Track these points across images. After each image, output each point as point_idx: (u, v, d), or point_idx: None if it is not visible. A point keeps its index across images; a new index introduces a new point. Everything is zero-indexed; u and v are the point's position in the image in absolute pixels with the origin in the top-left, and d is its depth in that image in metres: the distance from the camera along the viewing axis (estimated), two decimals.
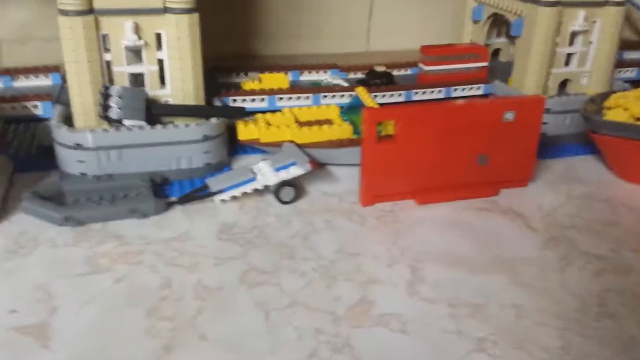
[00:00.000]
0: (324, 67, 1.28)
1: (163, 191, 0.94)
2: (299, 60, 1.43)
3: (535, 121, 0.97)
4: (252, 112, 1.10)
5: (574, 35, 1.17)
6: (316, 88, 1.15)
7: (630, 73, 1.36)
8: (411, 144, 0.91)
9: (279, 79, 1.15)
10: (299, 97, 1.14)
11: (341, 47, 1.51)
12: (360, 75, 1.27)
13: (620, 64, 1.29)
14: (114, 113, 0.92)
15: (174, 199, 0.90)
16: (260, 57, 1.46)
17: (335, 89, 1.16)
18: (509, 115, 0.94)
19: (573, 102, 1.15)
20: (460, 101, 0.97)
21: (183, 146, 0.95)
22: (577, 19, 1.14)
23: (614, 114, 1.01)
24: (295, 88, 1.15)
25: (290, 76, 1.25)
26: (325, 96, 1.15)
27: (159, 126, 0.94)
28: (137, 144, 0.93)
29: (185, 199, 0.90)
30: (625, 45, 1.40)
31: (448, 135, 0.92)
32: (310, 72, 1.27)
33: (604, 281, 0.77)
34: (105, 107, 0.92)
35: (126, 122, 0.93)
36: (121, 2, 0.90)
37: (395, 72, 1.30)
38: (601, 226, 0.90)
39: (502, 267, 0.79)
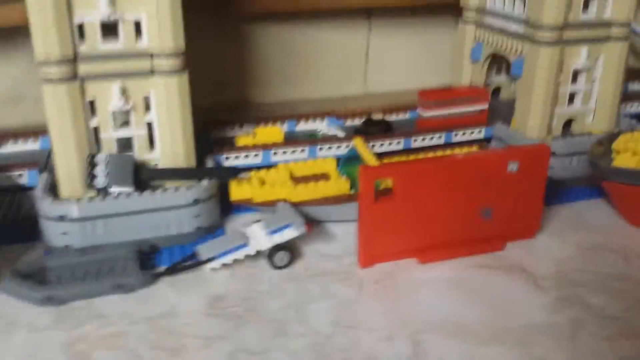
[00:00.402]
0: (320, 114, 1.24)
1: (151, 260, 0.90)
2: (295, 107, 1.40)
3: (541, 170, 0.93)
4: (247, 169, 1.06)
5: (576, 73, 1.13)
6: (312, 140, 1.12)
7: (637, 107, 1.31)
8: (411, 201, 0.87)
9: (274, 133, 1.12)
10: (294, 151, 1.10)
11: (338, 91, 1.49)
12: (357, 122, 1.24)
13: (624, 97, 1.24)
14: (100, 181, 0.89)
15: (161, 269, 0.87)
16: (256, 104, 1.44)
17: (331, 139, 1.13)
18: (513, 166, 0.90)
19: (579, 143, 1.10)
20: (462, 154, 0.93)
21: (173, 212, 0.92)
22: (580, 56, 1.10)
23: (623, 159, 0.96)
24: (290, 141, 1.11)
25: (286, 126, 1.22)
26: (321, 148, 1.12)
27: (147, 192, 0.91)
28: (125, 212, 0.90)
29: (173, 270, 0.86)
30: (629, 75, 1.36)
31: (449, 189, 0.88)
32: (306, 121, 1.23)
33: (618, 348, 0.72)
34: (92, 176, 0.89)
35: (113, 189, 0.90)
36: (107, 67, 0.88)
37: (393, 117, 1.26)
38: (613, 282, 0.85)
39: (510, 337, 0.74)
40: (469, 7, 1.27)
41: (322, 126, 1.22)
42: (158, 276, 0.86)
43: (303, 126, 1.23)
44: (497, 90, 1.38)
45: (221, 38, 1.36)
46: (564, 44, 1.08)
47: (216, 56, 1.36)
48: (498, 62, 1.33)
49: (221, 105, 1.36)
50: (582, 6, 1.07)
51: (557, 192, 1.08)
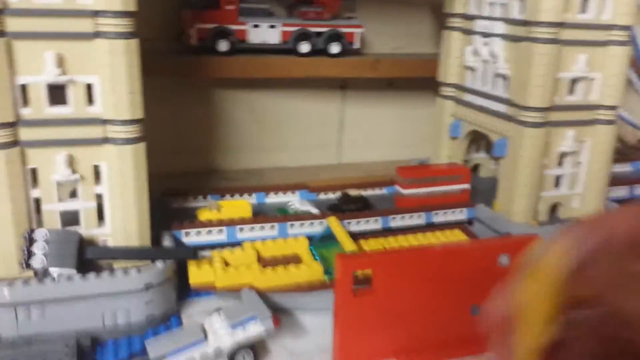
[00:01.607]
0: (292, 187, 1.16)
1: (92, 355, 0.77)
2: (265, 175, 1.32)
3: None
4: (209, 247, 0.96)
5: (562, 155, 1.07)
6: (283, 217, 1.02)
7: (621, 192, 1.27)
8: (393, 295, 0.78)
9: (241, 207, 1.02)
10: (262, 227, 1.00)
11: (311, 160, 1.41)
12: (331, 196, 1.16)
13: (610, 181, 1.20)
14: (37, 261, 0.77)
15: None
16: (223, 172, 1.34)
17: (304, 216, 1.03)
18: (504, 260, 0.82)
19: None
20: (449, 244, 0.84)
21: (120, 298, 0.80)
22: (566, 139, 1.06)
23: None
24: (259, 217, 1.01)
25: (254, 198, 1.12)
26: (292, 225, 1.02)
27: (91, 275, 0.79)
28: (65, 298, 0.77)
29: None
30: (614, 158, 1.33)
31: (436, 283, 0.79)
32: (276, 194, 1.14)
33: None
34: (29, 254, 0.77)
35: (53, 270, 0.78)
36: (52, 133, 0.78)
37: (369, 192, 1.18)
38: None
39: None
40: (446, 82, 1.22)
41: (293, 199, 1.13)
42: None
43: (273, 198, 1.14)
44: (475, 167, 1.33)
45: (187, 101, 1.29)
46: (549, 125, 1.03)
47: (181, 120, 1.27)
48: (477, 138, 1.28)
49: (185, 172, 1.27)
50: (568, 88, 1.03)
51: None
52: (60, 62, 0.75)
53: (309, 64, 1.28)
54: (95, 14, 0.75)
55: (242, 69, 1.23)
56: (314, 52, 1.29)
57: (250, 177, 1.29)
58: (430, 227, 1.10)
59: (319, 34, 1.29)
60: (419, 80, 1.38)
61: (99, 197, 0.83)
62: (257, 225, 1.00)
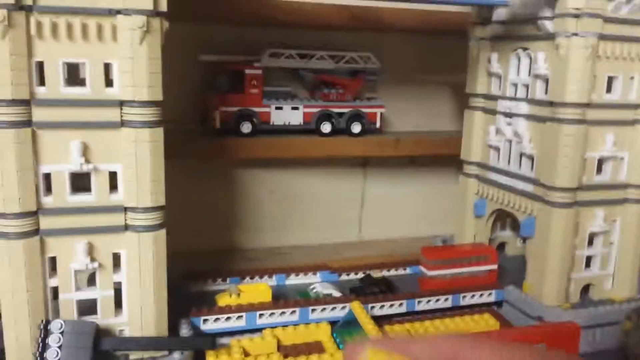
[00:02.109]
0: (313, 268, 1.13)
1: None
2: (285, 253, 1.30)
3: (571, 352, 0.80)
4: (228, 333, 0.93)
5: (593, 235, 1.04)
6: (304, 301, 0.99)
7: None
8: None
9: (261, 291, 0.99)
10: (283, 313, 0.97)
11: (331, 238, 1.39)
12: (353, 276, 1.13)
13: None
14: (52, 354, 0.75)
15: None
16: (243, 250, 1.33)
17: (325, 300, 1.00)
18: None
19: (603, 314, 0.99)
20: (482, 335, 0.80)
21: None
22: (596, 218, 1.02)
23: None
24: (279, 302, 0.98)
25: (275, 280, 1.10)
26: (314, 310, 0.99)
27: None
28: None
29: None
30: None
31: None
32: (297, 275, 1.12)
33: None
34: (44, 347, 0.75)
35: None
36: (74, 221, 0.77)
37: (392, 272, 1.15)
38: None
39: None
40: (470, 160, 1.21)
41: (315, 281, 1.10)
42: None
43: (294, 280, 1.11)
44: (501, 245, 1.29)
45: (210, 182, 1.29)
46: (578, 205, 1.00)
47: (203, 199, 1.27)
48: (502, 216, 1.26)
49: (206, 251, 1.25)
50: (596, 168, 1.01)
51: None
52: (85, 150, 0.76)
53: (331, 144, 1.29)
54: (122, 103, 0.76)
55: (264, 149, 1.24)
56: (335, 132, 1.29)
57: (271, 256, 1.28)
58: (458, 309, 1.05)
59: (340, 114, 1.30)
60: (440, 157, 1.37)
61: (117, 285, 0.81)
62: (278, 311, 0.97)
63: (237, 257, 1.28)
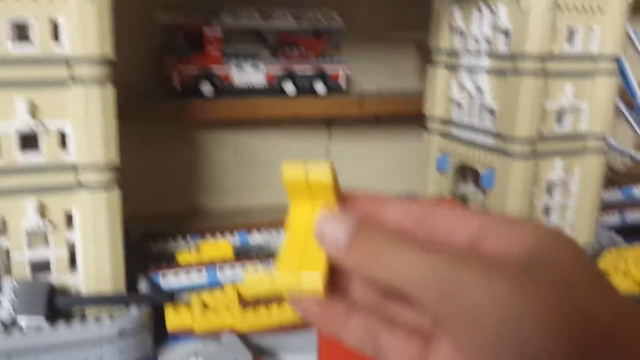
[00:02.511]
0: (276, 225, 1.13)
1: None
2: (250, 215, 1.29)
3: None
4: (190, 290, 0.93)
5: (551, 186, 1.05)
6: (265, 255, 0.99)
7: (613, 218, 1.24)
8: None
9: (222, 248, 0.99)
10: (244, 267, 0.97)
11: None
12: None
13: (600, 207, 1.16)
14: (4, 312, 0.74)
15: None
16: (207, 212, 1.32)
17: None
18: None
19: None
20: None
21: (93, 346, 0.77)
22: (555, 169, 1.03)
23: (614, 282, 0.85)
24: (240, 257, 0.98)
25: (237, 239, 1.09)
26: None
27: (61, 323, 0.76)
28: (33, 349, 0.74)
29: None
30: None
31: None
32: (260, 232, 1.12)
33: None
34: None
35: (21, 319, 0.75)
36: (23, 181, 0.76)
37: None
38: None
39: None
40: (433, 117, 1.21)
41: (278, 238, 1.11)
42: None
43: (257, 238, 1.11)
44: (464, 200, 1.30)
45: (171, 145, 1.27)
46: (537, 156, 1.01)
47: (165, 162, 1.26)
48: (464, 171, 1.26)
49: (169, 214, 1.24)
50: (555, 119, 1.02)
51: None
52: (33, 109, 0.74)
53: (294, 104, 1.28)
54: (70, 60, 0.74)
55: (227, 110, 1.23)
56: (299, 92, 1.28)
57: (235, 216, 1.27)
58: None
59: (304, 74, 1.29)
60: (404, 116, 1.37)
61: (71, 244, 0.80)
62: (239, 265, 0.97)
63: (200, 218, 1.27)
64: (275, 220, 1.14)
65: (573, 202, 1.07)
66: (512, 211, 1.01)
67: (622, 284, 0.85)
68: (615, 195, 1.35)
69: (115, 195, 0.80)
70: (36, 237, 0.81)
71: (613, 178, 1.45)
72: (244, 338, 0.82)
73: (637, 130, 1.33)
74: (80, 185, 0.78)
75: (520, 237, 0.26)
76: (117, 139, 0.79)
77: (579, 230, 1.07)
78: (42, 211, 0.77)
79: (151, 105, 1.18)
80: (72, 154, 0.77)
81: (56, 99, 0.75)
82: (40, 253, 0.79)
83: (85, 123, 0.76)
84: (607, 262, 0.91)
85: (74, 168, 0.78)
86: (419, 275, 0.25)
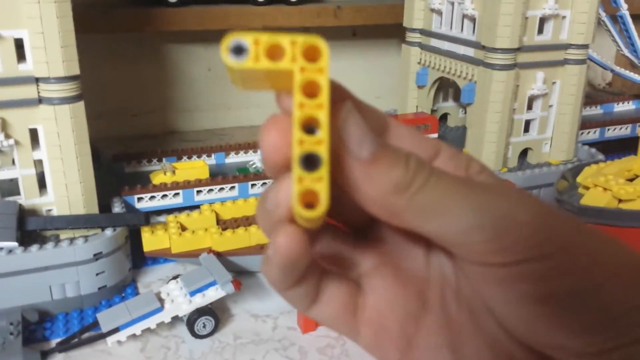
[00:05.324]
0: (253, 145, 1.10)
1: (41, 331, 0.72)
2: (227, 135, 1.26)
3: None
4: (165, 211, 0.91)
5: (532, 99, 1.03)
6: (243, 176, 0.97)
7: (592, 135, 1.24)
8: None
9: (198, 168, 0.96)
10: (221, 189, 0.95)
11: None
12: None
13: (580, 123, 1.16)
14: None
15: (53, 344, 0.69)
16: (182, 133, 1.28)
17: (266, 175, 0.98)
18: None
19: (539, 176, 1.01)
20: None
21: (68, 269, 0.75)
22: (536, 81, 1.01)
23: (593, 197, 0.86)
24: (217, 178, 0.96)
25: (214, 159, 1.06)
26: (254, 185, 0.97)
27: (34, 247, 0.73)
28: (6, 273, 0.72)
29: (66, 345, 0.69)
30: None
31: None
32: (237, 153, 1.09)
33: None
34: None
35: None
36: None
37: None
38: None
39: None
40: (412, 28, 1.16)
41: (255, 158, 1.08)
42: (47, 354, 0.68)
43: (233, 158, 1.08)
44: (444, 117, 1.28)
45: (141, 61, 1.21)
46: (518, 67, 0.98)
47: (136, 80, 1.20)
48: (444, 87, 1.24)
49: (143, 135, 1.20)
50: (537, 28, 0.98)
51: None
52: None
53: (267, 13, 1.21)
54: None
55: (196, 20, 1.16)
56: (272, 0, 1.22)
57: (211, 137, 1.23)
58: None
59: None
60: (383, 28, 1.32)
61: (39, 164, 0.77)
62: (216, 187, 0.94)
63: (174, 139, 1.23)
64: (251, 141, 1.11)
65: (553, 117, 1.06)
66: (492, 126, 0.99)
67: (601, 199, 0.85)
68: (595, 111, 1.35)
69: (80, 107, 0.75)
70: (4, 158, 0.77)
71: (593, 95, 1.43)
72: (223, 259, 0.81)
73: (619, 42, 1.31)
74: (42, 98, 0.73)
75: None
76: (75, 46, 0.73)
77: (559, 146, 1.07)
78: (5, 128, 0.72)
79: (113, 12, 1.09)
80: (30, 65, 0.72)
81: (9, 3, 0.69)
82: (5, 174, 0.75)
83: (41, 29, 0.70)
84: (586, 177, 0.90)
85: (33, 80, 0.72)
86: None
